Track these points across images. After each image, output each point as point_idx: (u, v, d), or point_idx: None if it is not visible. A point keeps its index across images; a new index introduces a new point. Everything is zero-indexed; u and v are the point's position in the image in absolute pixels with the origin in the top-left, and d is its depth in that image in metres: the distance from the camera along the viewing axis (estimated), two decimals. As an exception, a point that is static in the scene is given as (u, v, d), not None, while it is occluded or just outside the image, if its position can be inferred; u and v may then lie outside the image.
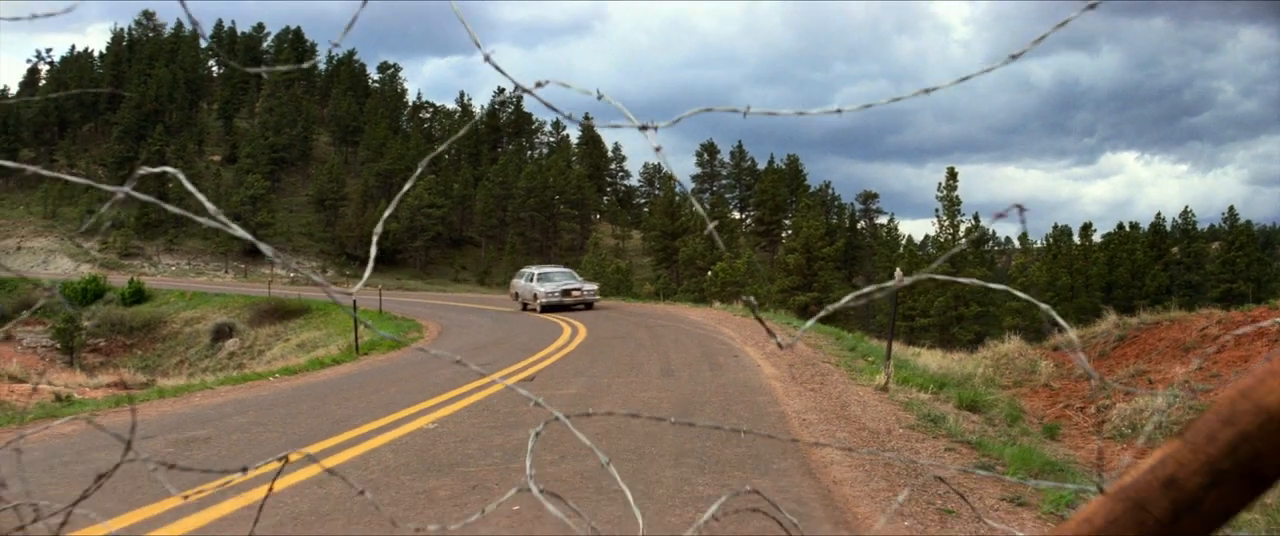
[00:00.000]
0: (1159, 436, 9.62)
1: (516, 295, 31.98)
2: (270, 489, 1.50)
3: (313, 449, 6.27)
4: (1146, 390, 11.86)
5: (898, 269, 12.20)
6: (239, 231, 1.07)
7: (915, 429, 7.31)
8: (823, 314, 1.09)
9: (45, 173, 1.15)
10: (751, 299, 1.08)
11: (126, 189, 1.05)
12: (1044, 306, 1.15)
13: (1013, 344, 17.12)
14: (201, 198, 1.05)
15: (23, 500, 1.27)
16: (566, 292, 29.17)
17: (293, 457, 1.28)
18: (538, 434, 1.13)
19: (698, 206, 1.05)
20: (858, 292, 1.10)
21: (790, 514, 4.54)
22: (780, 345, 0.99)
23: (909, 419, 7.64)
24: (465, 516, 4.49)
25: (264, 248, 1.07)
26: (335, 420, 8.12)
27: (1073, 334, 1.19)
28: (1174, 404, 10.70)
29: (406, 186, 1.23)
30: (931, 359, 16.21)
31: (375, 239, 1.21)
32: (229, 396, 10.16)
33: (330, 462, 5.97)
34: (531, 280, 30.71)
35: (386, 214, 1.24)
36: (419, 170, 1.28)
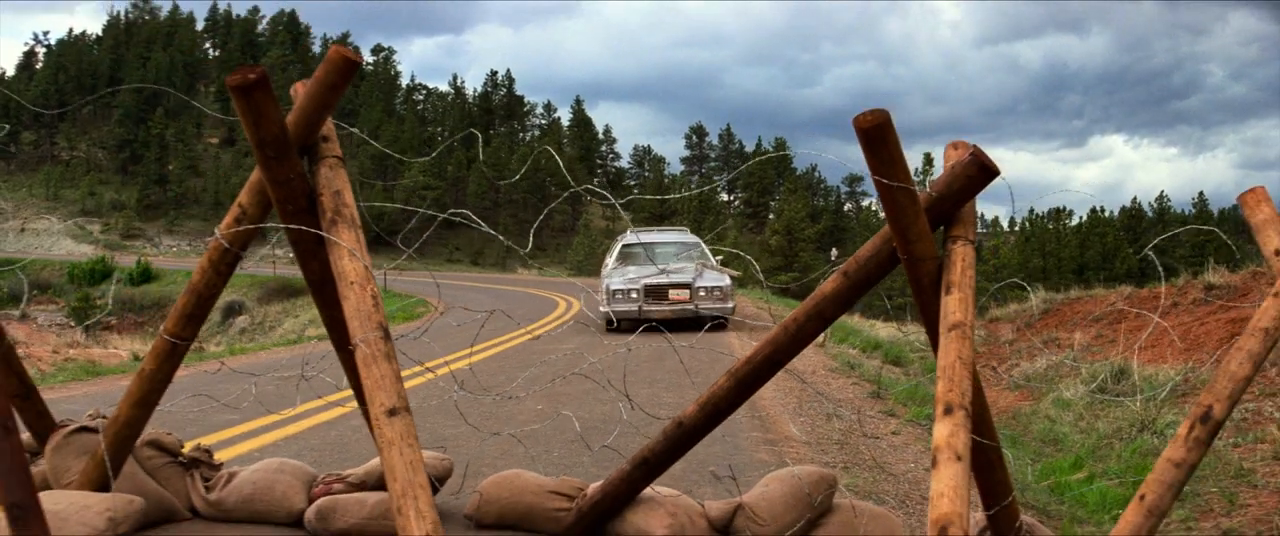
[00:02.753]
0: (1041, 384, 11.84)
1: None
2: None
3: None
4: (1055, 351, 14.09)
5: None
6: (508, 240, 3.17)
7: (834, 372, 9.54)
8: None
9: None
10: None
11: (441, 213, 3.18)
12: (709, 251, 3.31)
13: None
14: (479, 223, 3.16)
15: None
16: (658, 292, 14.57)
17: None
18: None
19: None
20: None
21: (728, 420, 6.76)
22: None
23: (832, 365, 9.88)
24: (508, 416, 6.69)
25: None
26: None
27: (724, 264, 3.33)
28: (1068, 360, 12.93)
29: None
30: (885, 330, 18.44)
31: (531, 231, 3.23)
32: (295, 352, 12.32)
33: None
34: (613, 258, 16.78)
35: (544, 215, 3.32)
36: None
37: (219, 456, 4.22)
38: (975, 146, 3.11)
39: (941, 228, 3.16)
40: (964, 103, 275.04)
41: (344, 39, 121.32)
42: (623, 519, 3.65)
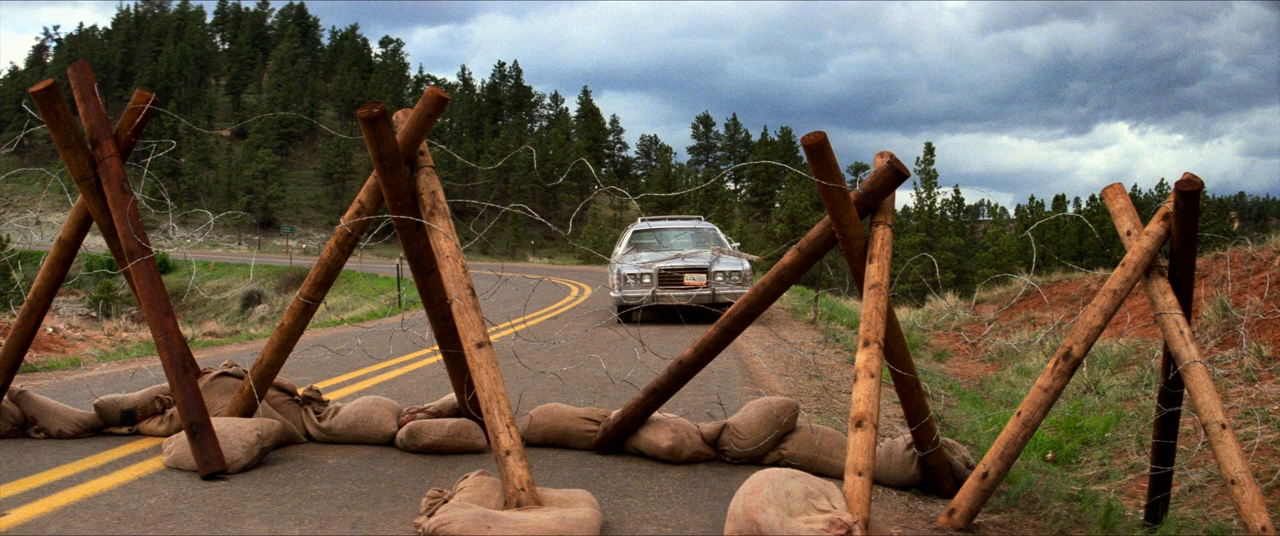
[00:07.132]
0: (1012, 358, 13.02)
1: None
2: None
3: (423, 351, 9.67)
4: (1029, 329, 15.27)
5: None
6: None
7: (820, 343, 10.75)
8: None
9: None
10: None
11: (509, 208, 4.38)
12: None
13: (949, 300, 20.52)
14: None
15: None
16: (673, 277, 13.75)
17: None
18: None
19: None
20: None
21: (721, 374, 8.25)
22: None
23: (818, 337, 11.09)
24: (546, 364, 7.89)
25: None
26: (416, 340, 11.52)
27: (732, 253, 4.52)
28: (1037, 338, 14.10)
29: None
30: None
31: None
32: (327, 333, 13.53)
33: (432, 360, 9.35)
34: (623, 247, 15.76)
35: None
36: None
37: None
38: (892, 155, 4.29)
39: (869, 215, 4.33)
40: (968, 90, 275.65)
41: (352, 31, 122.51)
42: (637, 436, 4.86)
